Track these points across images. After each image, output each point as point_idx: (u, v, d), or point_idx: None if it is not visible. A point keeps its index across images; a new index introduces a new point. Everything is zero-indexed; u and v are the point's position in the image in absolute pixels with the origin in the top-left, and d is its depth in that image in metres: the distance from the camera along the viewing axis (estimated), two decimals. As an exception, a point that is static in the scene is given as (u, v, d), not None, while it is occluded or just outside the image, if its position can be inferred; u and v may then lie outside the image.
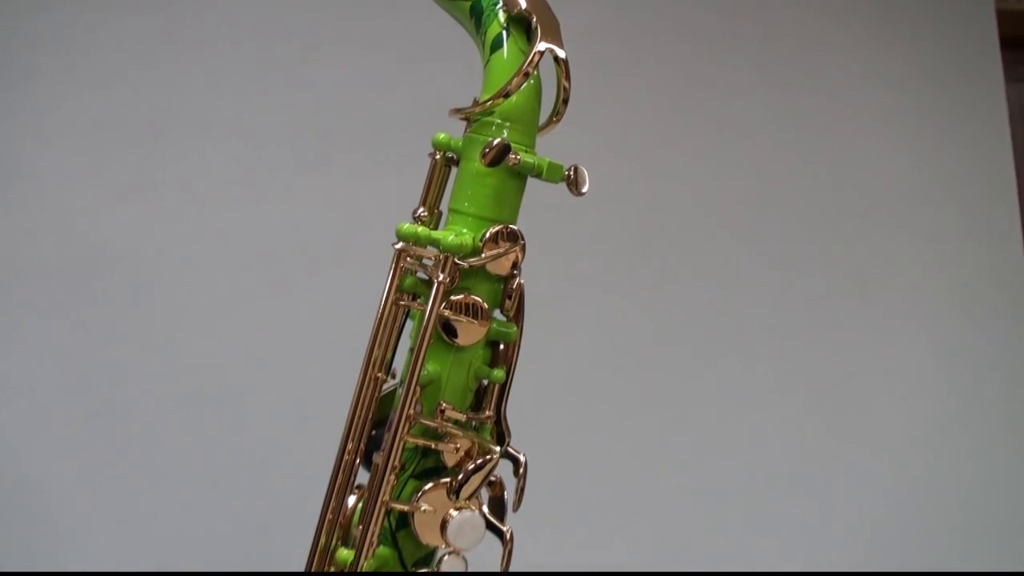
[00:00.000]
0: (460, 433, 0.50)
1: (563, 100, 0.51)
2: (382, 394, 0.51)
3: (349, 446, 0.50)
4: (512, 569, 0.52)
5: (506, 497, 0.53)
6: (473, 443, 0.50)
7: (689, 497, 1.09)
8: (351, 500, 0.51)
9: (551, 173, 0.50)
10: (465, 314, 0.49)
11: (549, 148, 0.51)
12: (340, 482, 0.50)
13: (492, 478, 0.53)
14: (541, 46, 0.48)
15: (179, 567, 0.98)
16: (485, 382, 0.51)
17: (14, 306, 0.97)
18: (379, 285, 0.51)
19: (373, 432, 0.51)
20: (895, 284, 1.16)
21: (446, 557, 0.50)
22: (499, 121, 0.49)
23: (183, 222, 1.00)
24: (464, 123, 0.51)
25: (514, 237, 0.50)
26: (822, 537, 1.13)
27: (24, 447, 0.96)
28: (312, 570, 0.50)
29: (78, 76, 0.97)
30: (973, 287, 1.19)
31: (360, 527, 0.49)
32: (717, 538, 1.09)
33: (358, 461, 0.51)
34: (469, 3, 0.50)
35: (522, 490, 0.52)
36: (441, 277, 0.48)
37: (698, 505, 1.09)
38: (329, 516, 0.50)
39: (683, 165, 1.12)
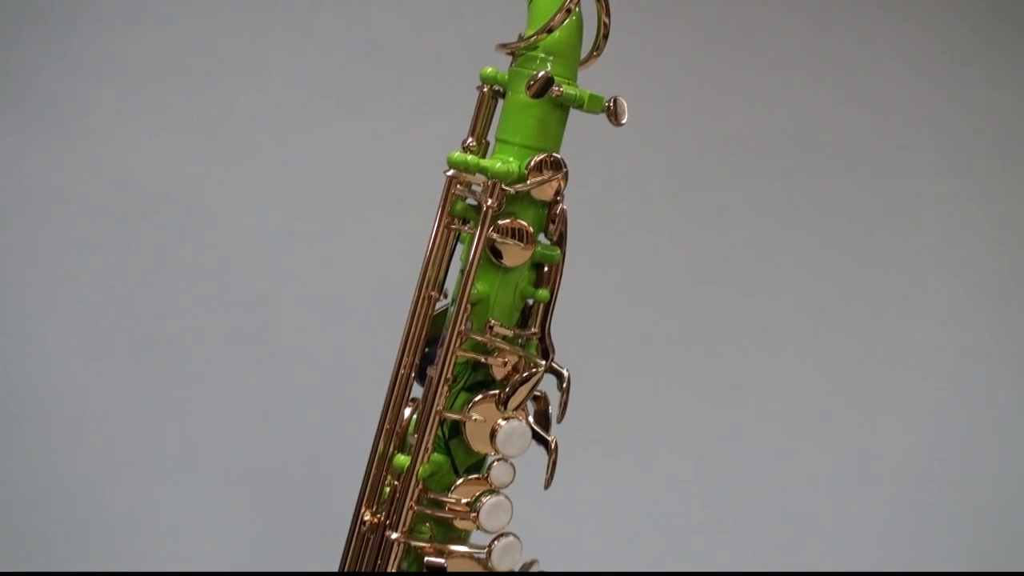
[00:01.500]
0: (508, 348, 0.53)
1: (603, 36, 0.54)
2: (434, 313, 0.55)
3: (405, 360, 0.54)
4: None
5: (550, 411, 0.57)
6: (520, 358, 0.54)
7: (723, 427, 1.12)
8: (407, 412, 0.55)
9: (592, 104, 0.53)
10: (511, 237, 0.52)
11: (588, 86, 0.54)
12: (396, 395, 0.54)
13: (537, 393, 0.56)
14: (583, -17, 0.51)
15: (231, 499, 1.02)
16: (530, 302, 0.55)
17: (69, 243, 1.00)
18: (425, 224, 0.54)
19: (427, 349, 0.55)
20: (930, 221, 1.18)
21: (496, 463, 0.54)
22: (543, 55, 0.52)
23: (233, 162, 1.03)
24: (510, 58, 0.54)
25: (557, 165, 0.53)
26: (860, 471, 1.15)
27: (79, 381, 1.00)
28: (371, 476, 0.54)
29: (133, 17, 1.00)
30: (1008, 223, 1.20)
31: (415, 435, 0.53)
32: (752, 469, 1.13)
33: (413, 375, 0.54)
34: (514, -57, 0.53)
35: (565, 404, 0.56)
36: (489, 202, 0.52)
37: (733, 434, 1.12)
38: (387, 426, 0.54)
39: (718, 103, 1.14)
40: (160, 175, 1.02)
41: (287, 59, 1.04)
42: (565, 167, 0.53)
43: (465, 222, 0.54)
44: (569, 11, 0.52)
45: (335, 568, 0.56)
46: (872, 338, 1.16)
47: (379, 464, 0.54)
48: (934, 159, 1.18)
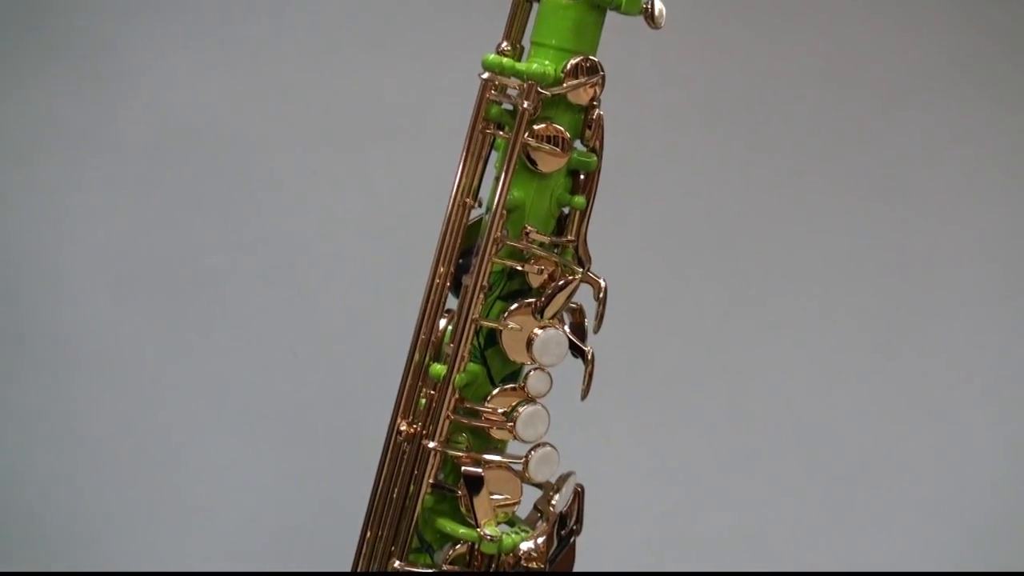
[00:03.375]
0: (544, 255, 0.52)
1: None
2: (469, 224, 0.54)
3: (440, 270, 0.53)
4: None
5: (587, 323, 0.56)
6: (556, 266, 0.53)
7: (758, 350, 1.10)
8: (442, 323, 0.54)
9: (629, 6, 0.52)
10: (547, 143, 0.52)
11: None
12: (431, 304, 0.53)
13: (573, 304, 0.55)
14: None
15: (261, 435, 1.02)
16: (567, 210, 0.54)
17: (96, 180, 1.00)
18: (453, 157, 0.53)
19: (461, 261, 0.54)
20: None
21: (532, 372, 0.53)
22: (578, -46, 0.51)
23: (260, 97, 1.03)
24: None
25: (594, 69, 0.52)
26: (895, 407, 1.14)
27: (106, 319, 1.00)
28: (406, 389, 0.54)
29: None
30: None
31: (451, 344, 0.52)
32: (787, 399, 1.11)
33: (448, 285, 0.54)
34: None
35: (602, 315, 0.55)
36: (525, 104, 0.50)
37: (769, 358, 1.10)
38: (422, 336, 0.53)
39: (750, 40, 1.12)
40: (187, 111, 1.01)
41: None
42: (602, 71, 0.52)
43: (500, 127, 0.53)
44: (605, -93, 0.50)
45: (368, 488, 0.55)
46: (914, 271, 1.14)
47: (415, 374, 0.53)
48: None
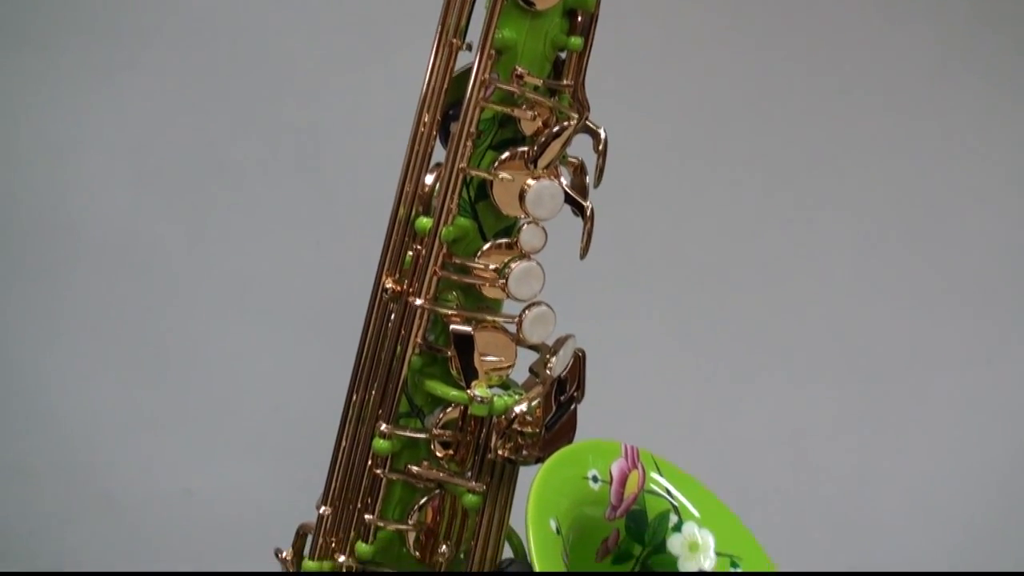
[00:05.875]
0: (538, 99, 0.49)
1: None
2: (457, 74, 0.50)
3: (424, 118, 0.50)
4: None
5: (587, 179, 0.52)
6: (551, 111, 0.50)
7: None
8: (429, 179, 0.51)
9: None
10: (540, -23, 0.48)
11: None
12: (416, 154, 0.50)
13: (573, 160, 0.52)
14: None
15: (283, 324, 1.00)
16: (563, 55, 0.50)
17: (114, 68, 0.98)
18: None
19: (451, 112, 0.51)
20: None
21: (526, 226, 0.50)
22: None
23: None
24: None
25: (589, -102, 0.48)
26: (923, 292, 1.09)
27: (127, 209, 0.98)
28: (391, 241, 0.51)
29: None
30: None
31: (439, 196, 0.49)
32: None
33: (434, 134, 0.50)
34: None
35: (602, 168, 0.51)
36: (513, -67, 0.47)
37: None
38: (407, 188, 0.50)
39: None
40: (213, 6, 0.98)
41: None
42: (597, -101, 0.48)
43: (489, -41, 0.49)
44: None
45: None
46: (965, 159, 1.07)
47: (399, 228, 0.50)
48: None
